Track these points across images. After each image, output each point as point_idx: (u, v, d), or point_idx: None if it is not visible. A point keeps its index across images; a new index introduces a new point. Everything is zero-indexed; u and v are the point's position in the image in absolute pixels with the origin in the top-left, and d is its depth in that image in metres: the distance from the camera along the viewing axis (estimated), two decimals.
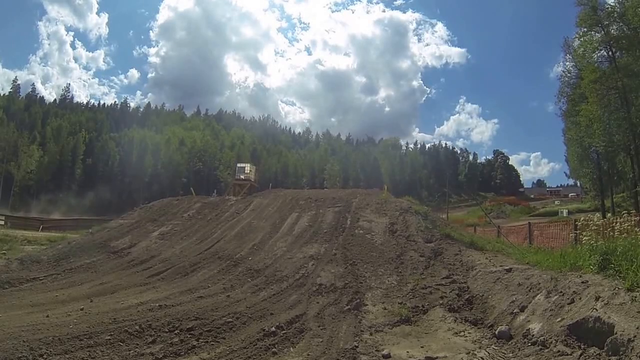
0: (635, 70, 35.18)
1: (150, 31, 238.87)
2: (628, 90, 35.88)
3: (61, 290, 9.71)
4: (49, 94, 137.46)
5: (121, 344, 6.33)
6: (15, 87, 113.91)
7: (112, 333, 6.58)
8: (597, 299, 5.49)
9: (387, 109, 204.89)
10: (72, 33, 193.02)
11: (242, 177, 39.17)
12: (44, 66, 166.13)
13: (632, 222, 7.68)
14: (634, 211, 10.10)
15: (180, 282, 10.54)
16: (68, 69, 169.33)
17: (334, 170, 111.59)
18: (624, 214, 8.42)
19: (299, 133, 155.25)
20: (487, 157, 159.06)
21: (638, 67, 35.03)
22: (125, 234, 16.43)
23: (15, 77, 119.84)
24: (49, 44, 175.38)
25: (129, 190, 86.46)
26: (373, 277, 10.30)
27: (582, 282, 6.16)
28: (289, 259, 12.13)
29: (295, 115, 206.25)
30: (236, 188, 36.36)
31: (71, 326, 6.76)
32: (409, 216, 15.32)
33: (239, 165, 45.26)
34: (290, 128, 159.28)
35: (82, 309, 7.80)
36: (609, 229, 7.80)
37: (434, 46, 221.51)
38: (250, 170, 40.30)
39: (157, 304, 8.30)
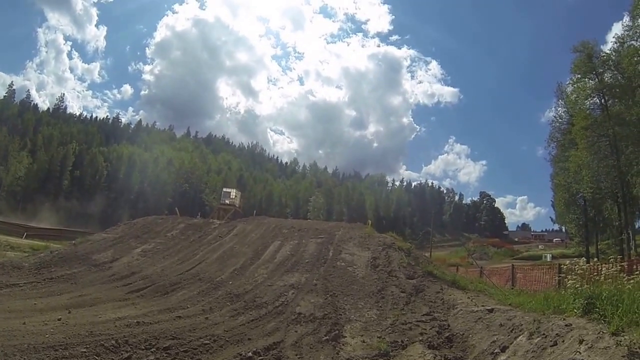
0: (627, 119, 35.71)
1: (147, 48, 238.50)
2: (619, 139, 36.45)
3: (40, 298, 9.65)
4: (43, 102, 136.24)
5: (96, 357, 6.33)
6: (11, 92, 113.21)
7: (88, 346, 6.57)
8: (580, 342, 5.51)
9: (375, 144, 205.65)
10: (70, 43, 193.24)
11: (227, 201, 39.14)
12: (39, 73, 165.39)
13: (619, 268, 7.82)
14: (620, 257, 10.26)
15: (160, 301, 10.50)
16: (63, 79, 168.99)
17: (319, 202, 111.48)
18: (610, 259, 8.56)
19: (286, 163, 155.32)
20: (473, 198, 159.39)
21: (630, 116, 35.51)
22: (108, 248, 16.36)
23: (12, 82, 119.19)
24: (46, 52, 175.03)
25: (115, 206, 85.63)
26: (353, 309, 10.32)
27: (566, 325, 6.20)
28: (269, 286, 12.12)
29: (283, 145, 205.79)
30: (220, 212, 36.32)
31: (47, 335, 6.74)
32: (391, 252, 15.40)
33: (225, 189, 45.28)
34: (277, 157, 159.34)
35: (59, 319, 7.78)
36: (594, 274, 7.92)
37: (426, 84, 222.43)
38: (235, 196, 40.31)
39: (135, 321, 8.28)
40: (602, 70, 38.61)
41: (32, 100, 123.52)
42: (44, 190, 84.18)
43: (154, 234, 19.68)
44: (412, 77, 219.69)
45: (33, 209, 73.68)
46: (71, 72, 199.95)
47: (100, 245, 17.02)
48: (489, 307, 9.20)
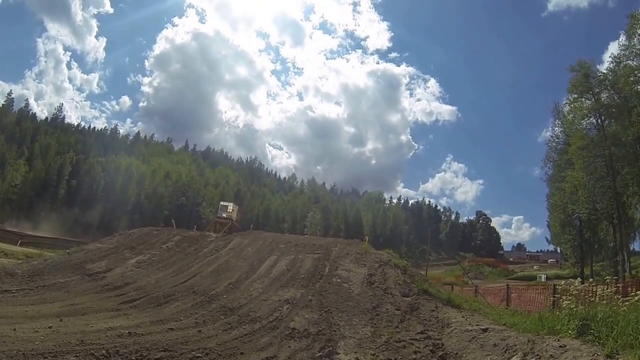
0: (623, 140, 35.94)
1: (146, 60, 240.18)
2: (615, 159, 36.80)
3: (32, 305, 9.57)
4: (41, 111, 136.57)
5: None
6: (9, 101, 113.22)
7: (78, 354, 6.51)
8: None
9: (373, 161, 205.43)
10: (69, 53, 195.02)
11: (224, 215, 38.98)
12: (38, 83, 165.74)
13: (614, 289, 7.78)
14: (616, 278, 10.25)
15: (153, 312, 10.40)
16: (62, 89, 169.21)
17: (316, 218, 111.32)
18: (606, 279, 8.52)
19: (285, 178, 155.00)
20: (470, 217, 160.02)
21: (626, 137, 35.69)
22: (102, 258, 16.26)
23: (10, 90, 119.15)
24: (45, 62, 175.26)
25: (111, 217, 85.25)
26: (347, 326, 10.24)
27: (560, 346, 6.16)
28: (264, 300, 12.03)
29: (281, 160, 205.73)
30: (217, 226, 36.16)
31: (37, 342, 6.68)
32: (388, 269, 15.32)
33: (222, 203, 45.17)
34: (276, 172, 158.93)
35: (50, 327, 7.71)
36: (589, 295, 7.88)
37: (425, 102, 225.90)
38: (232, 210, 40.16)
39: (127, 331, 8.20)
40: (598, 90, 39.09)
41: (30, 109, 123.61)
42: (40, 199, 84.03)
43: (149, 245, 19.58)
44: (411, 94, 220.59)
45: (29, 217, 73.51)
46: (70, 82, 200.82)
47: (94, 255, 16.91)
48: (483, 327, 9.13)
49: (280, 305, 11.51)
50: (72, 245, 21.92)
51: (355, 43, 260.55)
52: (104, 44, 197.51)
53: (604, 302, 7.09)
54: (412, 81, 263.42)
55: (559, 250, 74.68)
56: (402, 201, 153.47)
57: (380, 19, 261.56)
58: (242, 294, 12.74)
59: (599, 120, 39.21)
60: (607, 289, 7.75)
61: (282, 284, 13.70)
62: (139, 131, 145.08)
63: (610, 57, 39.94)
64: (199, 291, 12.82)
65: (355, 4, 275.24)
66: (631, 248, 44.44)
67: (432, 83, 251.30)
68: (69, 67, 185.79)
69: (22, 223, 67.14)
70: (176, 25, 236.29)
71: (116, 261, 16.11)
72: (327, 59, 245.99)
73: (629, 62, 36.60)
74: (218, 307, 11.38)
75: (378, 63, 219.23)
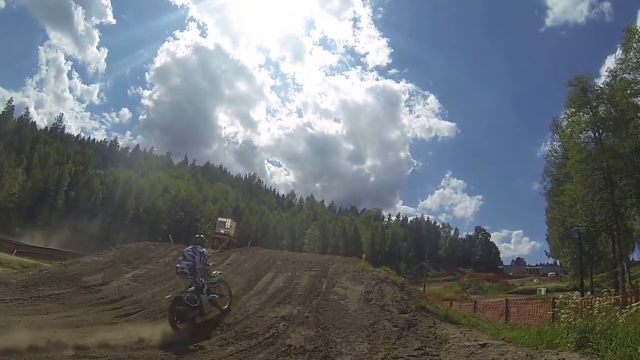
0: (621, 152, 36.47)
1: (147, 73, 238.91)
2: (613, 171, 37.30)
3: (25, 316, 9.51)
4: (41, 120, 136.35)
5: None
6: (10, 108, 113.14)
7: None
8: None
9: (372, 178, 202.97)
10: (70, 63, 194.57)
11: (222, 231, 39.06)
12: (39, 91, 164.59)
13: (612, 301, 7.75)
14: (613, 290, 10.23)
15: (148, 326, 10.34)
16: (62, 98, 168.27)
17: (314, 235, 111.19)
18: (604, 292, 8.50)
19: (283, 195, 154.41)
20: (469, 233, 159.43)
21: (624, 149, 36.18)
22: (99, 271, 16.16)
23: (11, 97, 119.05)
24: (46, 70, 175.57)
25: (108, 229, 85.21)
26: (344, 343, 10.16)
27: None
28: (260, 316, 11.94)
29: (280, 177, 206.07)
30: (215, 241, 36.10)
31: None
32: (385, 286, 15.25)
33: (220, 219, 45.30)
34: (275, 189, 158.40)
35: (44, 338, 7.64)
36: (587, 307, 7.85)
37: (424, 118, 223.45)
38: (230, 226, 40.24)
39: (123, 344, 8.15)
40: (596, 103, 39.82)
41: (30, 118, 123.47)
42: (37, 209, 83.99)
43: (146, 259, 19.49)
44: (410, 111, 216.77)
45: (25, 227, 73.38)
46: (70, 92, 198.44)
47: (90, 267, 16.83)
48: (481, 342, 9.06)
49: (277, 322, 11.41)
50: (68, 256, 21.79)
51: (355, 59, 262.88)
52: (105, 55, 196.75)
53: (603, 314, 7.06)
54: (412, 97, 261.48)
55: (558, 263, 74.85)
56: (401, 218, 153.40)
57: (380, 35, 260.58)
58: (239, 309, 12.64)
59: (597, 134, 39.90)
60: (605, 300, 7.73)
61: (278, 301, 13.60)
62: (138, 144, 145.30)
63: (607, 70, 41.10)
64: None
65: (355, 20, 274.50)
66: (630, 258, 45.32)
67: (432, 99, 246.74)
68: (69, 76, 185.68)
69: (18, 232, 67.04)
70: (177, 39, 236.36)
71: (112, 274, 16.02)
72: (326, 75, 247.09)
73: (625, 75, 37.47)
74: (214, 322, 11.32)
75: (377, 79, 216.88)
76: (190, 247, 11.37)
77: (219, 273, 13.04)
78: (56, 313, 10.32)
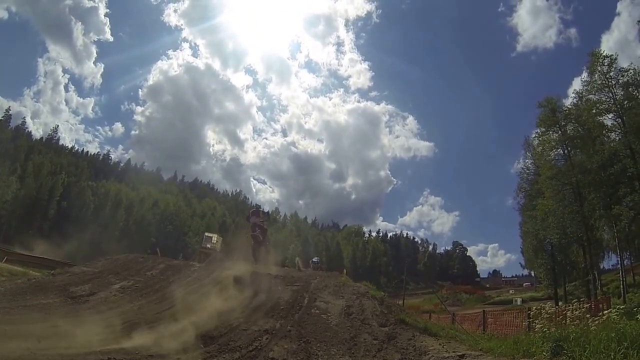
0: (589, 167, 38.55)
1: (140, 90, 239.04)
2: (582, 186, 39.42)
3: (11, 325, 9.58)
4: (36, 130, 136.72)
5: None
6: (7, 117, 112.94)
7: None
8: None
9: (353, 196, 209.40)
10: (67, 76, 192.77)
11: (208, 246, 39.31)
12: (36, 102, 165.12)
13: (583, 310, 8.04)
14: (584, 299, 10.60)
15: (134, 338, 10.48)
16: (58, 110, 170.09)
17: (298, 251, 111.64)
18: (574, 302, 8.86)
19: (268, 212, 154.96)
20: (447, 247, 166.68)
21: (591, 164, 38.31)
22: (87, 282, 16.23)
23: (9, 106, 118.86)
24: (44, 82, 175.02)
25: (98, 241, 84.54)
26: (325, 355, 10.38)
27: None
28: (243, 330, 12.11)
29: (265, 194, 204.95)
30: (202, 256, 36.10)
31: None
32: (365, 300, 15.52)
33: (206, 234, 45.65)
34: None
35: (28, 348, 7.75)
36: (560, 317, 8.13)
37: (403, 138, 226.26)
38: (216, 241, 40.48)
39: (107, 357, 8.26)
40: (564, 123, 42.28)
41: (26, 127, 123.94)
42: (29, 218, 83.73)
43: (134, 271, 19.52)
44: (390, 131, 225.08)
45: (15, 235, 72.97)
46: (66, 105, 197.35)
47: (79, 277, 16.88)
48: (460, 353, 9.30)
49: (260, 335, 11.60)
50: (58, 265, 21.85)
51: (338, 82, 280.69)
52: (101, 70, 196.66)
53: (576, 322, 7.34)
54: (392, 119, 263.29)
55: (533, 274, 76.66)
56: (381, 234, 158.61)
57: (362, 60, 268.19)
58: (223, 323, 12.80)
59: (566, 151, 42.39)
60: (577, 310, 8.03)
61: (261, 315, 13.75)
62: (130, 159, 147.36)
63: (574, 92, 44.20)
64: (180, 319, 12.90)
65: (339, 45, 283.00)
66: (601, 267, 48.76)
67: (411, 120, 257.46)
68: (66, 89, 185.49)
69: (9, 240, 66.60)
70: (171, 58, 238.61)
71: (100, 285, 16.08)
72: (310, 96, 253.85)
73: (591, 96, 39.97)
74: (198, 335, 11.48)
75: (359, 101, 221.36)
76: None
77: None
78: (42, 323, 10.33)
